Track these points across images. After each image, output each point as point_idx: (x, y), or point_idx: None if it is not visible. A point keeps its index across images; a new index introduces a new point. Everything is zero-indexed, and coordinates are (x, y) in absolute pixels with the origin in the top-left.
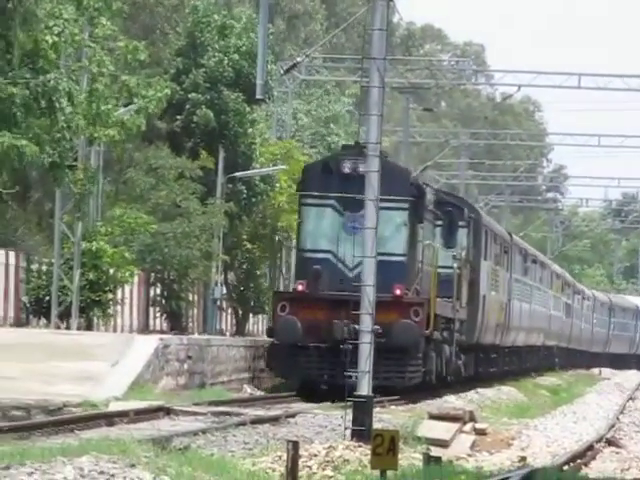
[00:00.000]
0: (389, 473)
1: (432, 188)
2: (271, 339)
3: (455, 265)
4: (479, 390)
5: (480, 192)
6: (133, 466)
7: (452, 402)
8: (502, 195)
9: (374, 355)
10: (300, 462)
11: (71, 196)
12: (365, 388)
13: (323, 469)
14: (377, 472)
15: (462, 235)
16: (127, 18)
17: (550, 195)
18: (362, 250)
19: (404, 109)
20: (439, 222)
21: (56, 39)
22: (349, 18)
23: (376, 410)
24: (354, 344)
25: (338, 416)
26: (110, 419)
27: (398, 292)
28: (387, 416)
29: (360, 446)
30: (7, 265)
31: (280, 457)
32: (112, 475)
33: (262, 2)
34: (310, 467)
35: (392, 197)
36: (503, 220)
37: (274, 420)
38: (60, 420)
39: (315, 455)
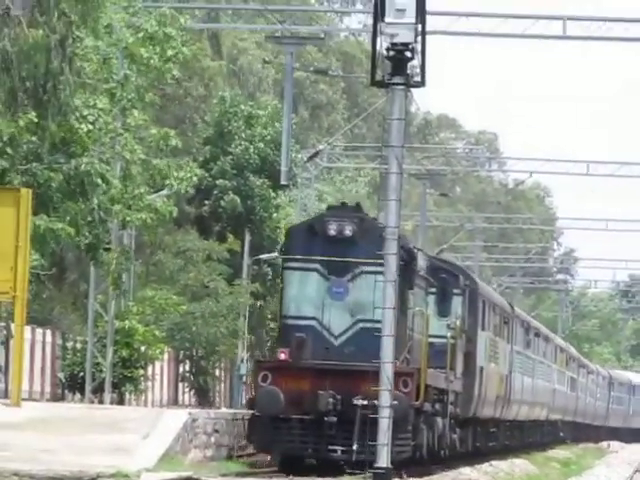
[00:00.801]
0: None
1: (424, 253)
2: (252, 411)
3: (449, 334)
4: (493, 463)
5: (494, 274)
6: None
7: (467, 474)
8: (515, 277)
9: (360, 429)
10: None
11: (105, 277)
12: (384, 460)
13: None
14: None
15: (457, 303)
16: (158, 108)
17: (560, 277)
18: (349, 316)
19: (421, 194)
20: (432, 289)
21: (90, 127)
22: (369, 108)
23: None
24: (339, 416)
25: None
26: None
27: None
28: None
29: None
30: (44, 343)
31: None
32: None
33: (286, 93)
34: None
35: (379, 261)
36: (515, 300)
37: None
38: None
39: None
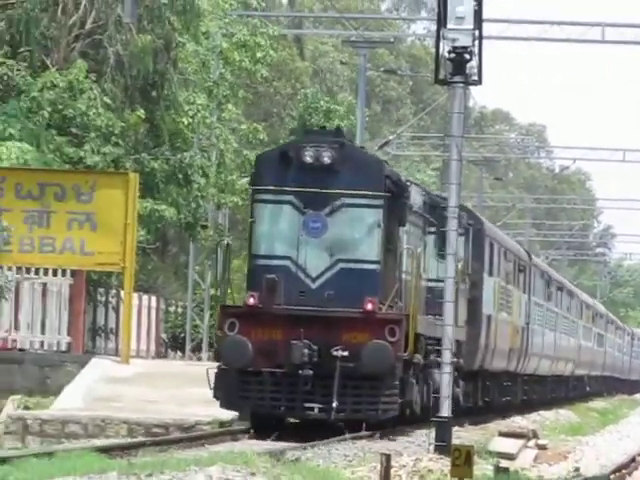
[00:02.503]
0: None
1: (422, 188)
2: (218, 363)
3: None
4: (540, 412)
5: (541, 247)
6: (253, 474)
7: (518, 422)
8: (560, 250)
9: (340, 384)
10: (392, 471)
11: (202, 250)
12: (446, 410)
13: (411, 478)
14: None
15: (458, 244)
16: (250, 104)
17: (599, 250)
18: (327, 255)
19: (478, 179)
20: (431, 229)
21: (190, 120)
22: (433, 103)
23: (455, 429)
24: (316, 369)
25: (423, 434)
26: (235, 435)
27: (370, 307)
28: (464, 434)
29: (442, 458)
30: (149, 308)
31: (375, 467)
32: None
33: (360, 90)
34: (400, 476)
35: (361, 192)
36: (560, 270)
37: (370, 437)
38: (193, 436)
39: (404, 466)
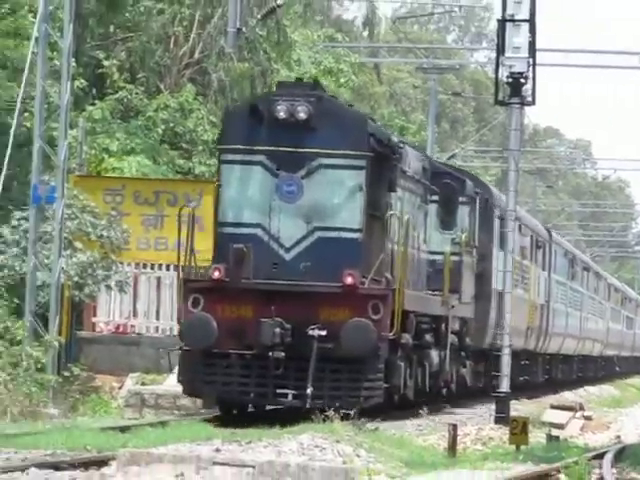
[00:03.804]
0: (522, 447)
1: (422, 154)
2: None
3: (449, 250)
4: (586, 388)
5: (587, 246)
6: (338, 442)
7: (567, 397)
8: (603, 247)
9: (316, 367)
10: (458, 439)
11: None
12: (505, 386)
13: (474, 444)
14: (513, 446)
15: (463, 214)
16: None
17: (638, 248)
18: (303, 223)
19: (532, 187)
20: (433, 198)
21: None
22: (493, 121)
23: (512, 402)
24: (288, 351)
25: (483, 407)
26: None
27: (350, 280)
28: (520, 407)
29: (501, 428)
30: None
31: (443, 436)
32: (323, 448)
33: (431, 110)
34: (465, 442)
35: (341, 152)
36: (603, 264)
37: (437, 410)
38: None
39: (468, 434)
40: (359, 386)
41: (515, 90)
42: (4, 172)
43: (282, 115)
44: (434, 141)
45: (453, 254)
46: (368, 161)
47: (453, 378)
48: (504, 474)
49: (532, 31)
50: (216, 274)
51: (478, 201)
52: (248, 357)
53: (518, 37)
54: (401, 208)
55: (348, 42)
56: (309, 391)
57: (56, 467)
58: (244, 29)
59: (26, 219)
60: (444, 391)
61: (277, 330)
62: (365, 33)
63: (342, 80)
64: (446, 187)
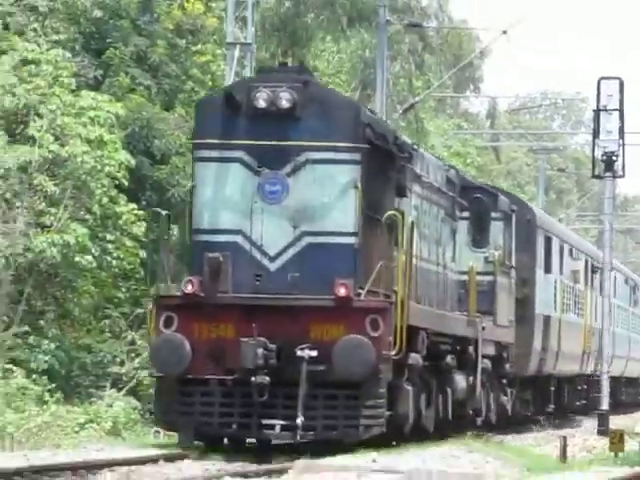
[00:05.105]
0: (620, 454)
1: (447, 164)
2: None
3: (481, 269)
4: None
5: None
6: (471, 452)
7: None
8: None
9: (307, 393)
10: (567, 448)
11: None
12: (605, 404)
13: (580, 451)
14: (612, 454)
15: (496, 231)
16: None
17: None
18: (290, 227)
19: (624, 244)
20: (464, 215)
21: None
22: (591, 192)
23: (611, 417)
24: (274, 375)
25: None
26: None
27: (343, 292)
28: (618, 421)
29: (602, 439)
30: None
31: (556, 446)
32: (459, 457)
33: (540, 184)
34: (574, 451)
35: (331, 144)
36: None
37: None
38: None
39: (576, 444)
40: (357, 414)
41: (608, 166)
42: None
43: (262, 104)
44: (543, 208)
45: (486, 273)
46: (364, 155)
47: (491, 407)
48: (608, 475)
49: (621, 118)
50: (189, 288)
51: (514, 218)
52: (229, 383)
53: (610, 123)
54: (417, 218)
55: (473, 129)
56: (299, 421)
57: (245, 476)
58: (389, 121)
59: None
60: (478, 420)
61: (260, 351)
62: (487, 122)
63: (468, 161)
64: (477, 202)
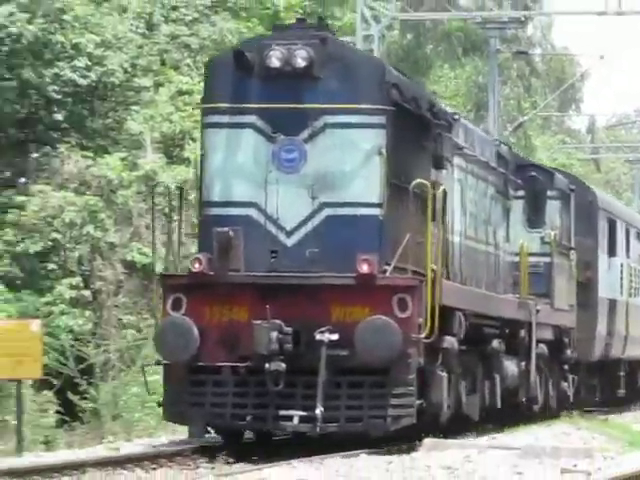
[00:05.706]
0: None
1: (496, 140)
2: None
3: (537, 250)
4: None
5: None
6: (579, 429)
7: None
8: None
9: (328, 381)
10: None
11: None
12: None
13: None
14: None
15: (552, 210)
16: None
17: None
18: (308, 198)
19: None
20: (518, 194)
21: None
22: None
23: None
24: (291, 362)
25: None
26: None
27: (366, 268)
28: None
29: None
30: None
31: None
32: (569, 433)
33: (636, 190)
34: None
35: (353, 106)
36: None
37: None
38: None
39: None
40: (384, 404)
41: None
42: None
43: (276, 63)
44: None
45: (542, 254)
46: (389, 118)
47: (550, 393)
48: None
49: None
50: (196, 266)
51: (573, 198)
52: (242, 371)
53: None
54: (461, 193)
55: (575, 144)
56: (319, 412)
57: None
58: (500, 138)
59: None
60: (535, 407)
61: (274, 335)
62: (587, 137)
63: (573, 171)
64: (532, 180)
